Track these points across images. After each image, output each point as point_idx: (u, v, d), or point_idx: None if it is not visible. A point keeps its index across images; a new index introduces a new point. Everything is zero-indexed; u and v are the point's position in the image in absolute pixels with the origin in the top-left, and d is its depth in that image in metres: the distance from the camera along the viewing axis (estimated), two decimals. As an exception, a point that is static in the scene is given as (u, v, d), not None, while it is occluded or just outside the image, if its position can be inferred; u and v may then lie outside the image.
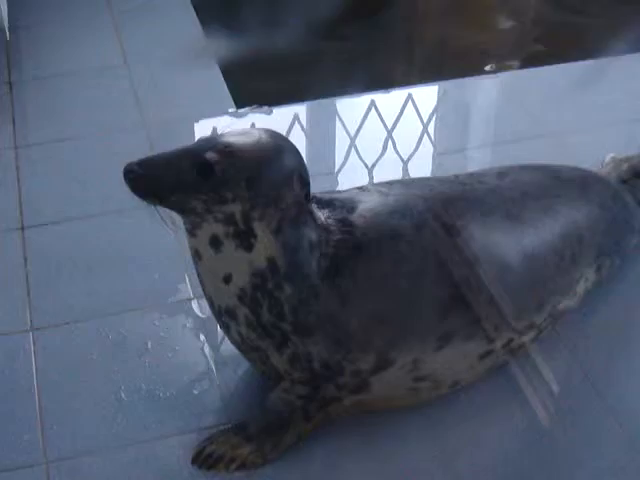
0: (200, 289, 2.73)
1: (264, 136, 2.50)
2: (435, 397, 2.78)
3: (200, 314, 3.10)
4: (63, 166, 3.78)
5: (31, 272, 3.29)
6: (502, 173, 3.03)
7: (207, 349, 3.01)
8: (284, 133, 3.91)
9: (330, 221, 2.60)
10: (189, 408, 2.83)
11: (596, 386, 2.89)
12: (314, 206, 2.61)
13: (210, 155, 2.41)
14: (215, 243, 2.51)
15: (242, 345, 2.72)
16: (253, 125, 3.95)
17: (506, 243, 2.77)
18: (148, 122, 3.99)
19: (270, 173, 2.45)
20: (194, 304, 3.14)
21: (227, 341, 2.80)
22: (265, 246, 2.49)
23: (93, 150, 3.86)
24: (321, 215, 2.60)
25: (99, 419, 2.81)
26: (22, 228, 3.48)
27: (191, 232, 2.55)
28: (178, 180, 2.42)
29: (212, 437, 2.70)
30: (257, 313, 2.58)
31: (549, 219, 2.90)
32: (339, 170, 3.82)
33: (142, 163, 2.43)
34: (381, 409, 2.75)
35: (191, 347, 3.02)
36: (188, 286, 3.18)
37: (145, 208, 2.52)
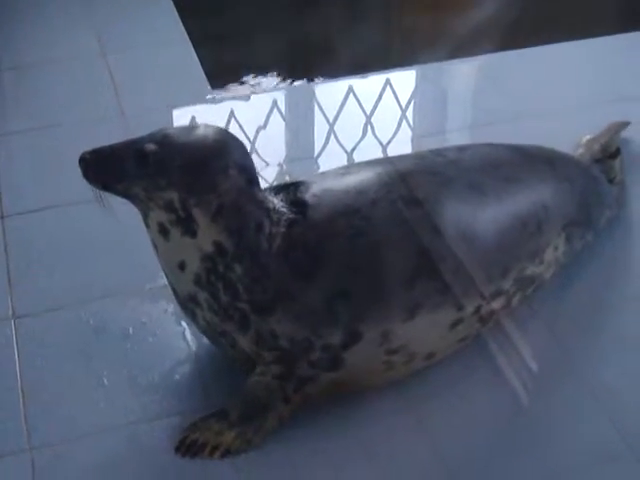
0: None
1: (203, 129, 2.66)
2: (411, 372, 2.81)
3: (181, 299, 3.12)
4: (42, 154, 3.79)
5: (11, 260, 3.30)
6: (463, 147, 3.09)
7: (188, 334, 3.02)
8: (263, 119, 3.95)
9: (283, 203, 2.69)
10: (171, 393, 2.85)
11: (574, 363, 2.92)
12: (268, 191, 2.72)
13: (148, 145, 2.57)
14: (163, 231, 2.63)
15: (210, 332, 2.76)
16: (232, 112, 3.97)
17: (467, 210, 2.81)
18: (126, 110, 3.99)
19: (202, 161, 2.58)
20: (175, 290, 3.15)
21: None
22: (208, 231, 2.59)
23: (72, 138, 3.84)
24: (273, 198, 2.69)
25: (82, 405, 2.82)
26: (2, 217, 3.48)
27: (145, 223, 2.68)
28: (121, 168, 2.59)
29: (195, 424, 2.72)
30: (216, 296, 2.64)
31: (511, 186, 2.93)
32: (318, 155, 3.83)
33: (93, 152, 2.61)
34: (359, 388, 2.77)
35: (172, 332, 3.03)
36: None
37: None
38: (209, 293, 2.65)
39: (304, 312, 2.63)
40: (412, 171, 2.85)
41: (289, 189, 2.75)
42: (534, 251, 2.94)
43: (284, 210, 2.67)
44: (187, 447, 2.67)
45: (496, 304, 2.87)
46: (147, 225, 2.68)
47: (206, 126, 2.69)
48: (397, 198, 2.73)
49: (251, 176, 2.65)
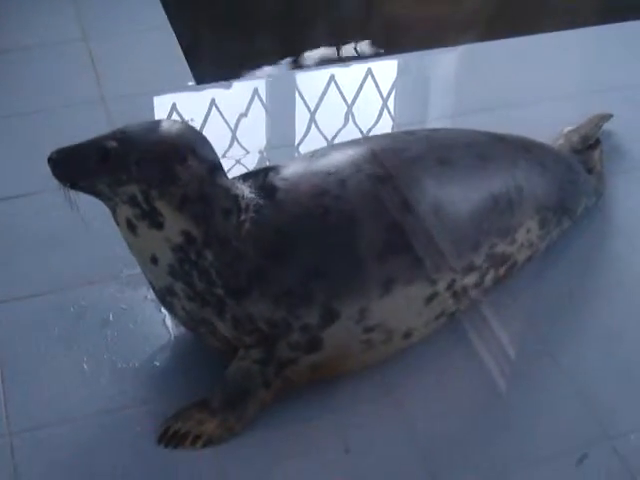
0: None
1: (163, 124, 2.69)
2: (390, 352, 2.83)
3: (161, 286, 3.11)
4: (22, 140, 3.77)
5: (-8, 246, 3.30)
6: (437, 129, 3.14)
7: (168, 321, 3.03)
8: (244, 107, 3.94)
9: (252, 189, 2.72)
10: (151, 379, 2.86)
11: (550, 349, 2.95)
12: (237, 179, 2.76)
13: (109, 142, 2.62)
14: (131, 227, 2.66)
15: (190, 322, 2.77)
16: (213, 100, 3.97)
17: (436, 185, 2.84)
18: (107, 96, 3.98)
19: (159, 154, 2.61)
20: (155, 276, 3.14)
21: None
22: (174, 222, 2.62)
23: (52, 124, 3.84)
24: (242, 185, 2.73)
25: (62, 390, 2.82)
26: (-20, 203, 3.48)
27: (115, 220, 2.71)
28: (85, 165, 2.64)
29: (177, 415, 2.73)
30: (191, 284, 2.67)
31: (483, 163, 2.98)
32: (300, 142, 3.83)
33: (60, 151, 2.66)
34: (339, 372, 2.79)
35: (152, 319, 3.04)
36: (149, 259, 3.18)
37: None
38: (184, 282, 2.67)
39: (279, 293, 2.65)
40: (382, 149, 2.89)
41: (258, 175, 2.78)
42: (505, 229, 2.96)
43: (252, 195, 2.70)
44: (169, 438, 2.69)
45: (469, 280, 2.90)
46: (117, 223, 2.71)
47: (167, 121, 2.73)
48: (366, 176, 2.77)
49: (213, 165, 2.68)
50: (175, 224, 2.61)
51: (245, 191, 2.71)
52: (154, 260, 2.68)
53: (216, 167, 2.69)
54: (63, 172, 2.65)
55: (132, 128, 2.68)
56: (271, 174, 2.77)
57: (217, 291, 2.65)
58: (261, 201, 2.69)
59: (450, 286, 2.85)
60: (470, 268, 2.89)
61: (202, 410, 2.71)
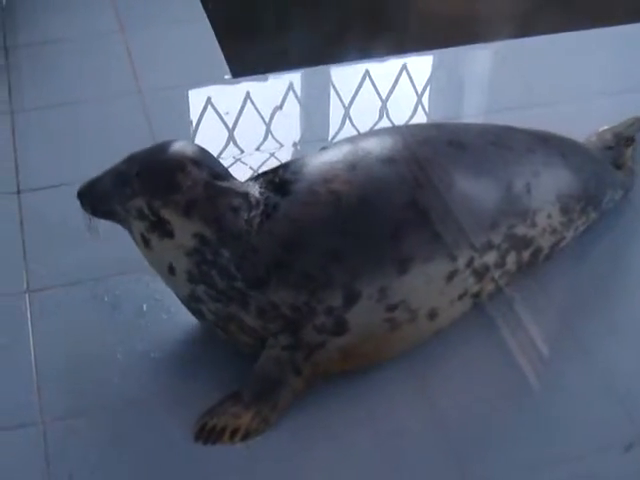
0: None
1: (162, 143, 2.82)
2: (417, 335, 2.86)
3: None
4: (59, 131, 3.80)
5: (27, 235, 3.32)
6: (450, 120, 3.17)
7: (202, 312, 3.04)
8: (279, 101, 3.95)
9: (261, 185, 2.78)
10: (184, 369, 2.88)
11: (581, 343, 2.95)
12: (250, 178, 2.86)
13: (119, 166, 2.79)
14: (145, 241, 2.76)
15: (219, 322, 2.79)
16: (248, 93, 3.98)
17: (446, 164, 2.89)
18: (143, 89, 3.99)
19: (157, 164, 2.74)
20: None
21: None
22: (183, 227, 2.69)
23: (88, 116, 3.87)
24: (251, 183, 2.80)
25: (95, 380, 2.85)
26: (18, 192, 3.50)
27: (134, 241, 2.81)
28: (101, 190, 2.80)
29: (211, 410, 2.74)
30: (212, 284, 2.71)
31: (495, 147, 3.02)
32: (333, 137, 3.84)
33: (85, 183, 2.84)
34: (368, 358, 2.81)
35: (185, 309, 3.03)
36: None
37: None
38: (205, 284, 2.72)
39: (299, 279, 2.68)
40: (392, 136, 2.94)
41: (268, 173, 2.85)
42: (523, 211, 2.98)
43: (263, 190, 2.76)
44: (207, 434, 2.70)
45: (488, 258, 2.91)
46: (136, 242, 2.81)
47: (169, 141, 2.82)
48: (376, 159, 2.82)
49: (214, 169, 2.75)
50: (185, 230, 2.68)
51: (254, 188, 2.77)
52: (171, 270, 2.74)
53: (218, 171, 2.76)
54: (85, 201, 2.82)
55: (140, 150, 2.81)
56: (281, 170, 2.83)
57: (238, 285, 2.69)
58: (272, 195, 2.74)
59: (469, 263, 2.86)
60: (488, 246, 2.90)
61: (236, 403, 2.73)
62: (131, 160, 2.78)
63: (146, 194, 2.70)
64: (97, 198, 2.81)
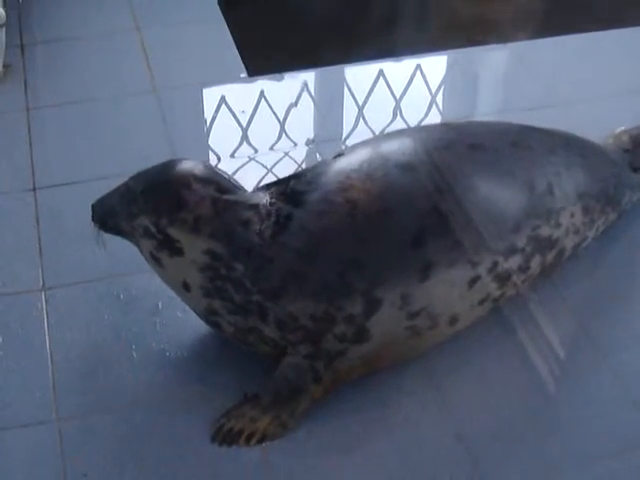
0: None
1: (169, 160, 2.82)
2: (437, 339, 2.85)
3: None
4: (74, 128, 3.81)
5: (43, 232, 3.33)
6: (471, 121, 3.17)
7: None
8: (294, 100, 3.95)
9: (273, 197, 2.76)
10: (199, 367, 2.88)
11: (598, 347, 2.95)
12: (261, 188, 2.83)
13: (127, 182, 2.81)
14: (155, 259, 2.75)
15: (238, 333, 2.78)
16: (263, 92, 3.98)
17: (467, 168, 2.86)
18: (158, 86, 4.01)
19: (161, 183, 2.73)
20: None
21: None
22: (193, 244, 2.68)
23: (104, 114, 3.88)
24: (262, 194, 2.77)
25: (111, 378, 2.85)
26: (34, 189, 3.51)
27: (145, 257, 2.80)
28: (109, 206, 2.82)
29: (229, 412, 2.74)
30: (229, 298, 2.70)
31: (516, 148, 3.00)
32: (347, 137, 3.84)
33: (98, 199, 2.87)
34: (387, 363, 2.80)
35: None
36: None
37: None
38: (221, 299, 2.71)
39: (317, 288, 2.67)
40: (410, 140, 2.92)
41: (280, 183, 2.82)
42: (547, 211, 2.96)
43: (274, 201, 2.74)
44: (224, 436, 2.70)
45: (512, 262, 2.89)
46: (146, 259, 2.80)
47: (174, 159, 2.84)
48: (394, 165, 2.79)
49: (221, 184, 2.73)
50: (195, 247, 2.67)
51: (265, 200, 2.75)
52: (186, 287, 2.74)
53: (225, 186, 2.74)
54: (95, 216, 2.84)
55: (147, 168, 2.81)
56: (292, 181, 2.80)
57: (255, 298, 2.68)
58: (284, 205, 2.72)
59: (492, 269, 2.84)
60: (512, 250, 2.87)
61: (254, 407, 2.73)
62: (137, 177, 2.79)
63: (151, 212, 2.70)
64: (106, 214, 2.82)
